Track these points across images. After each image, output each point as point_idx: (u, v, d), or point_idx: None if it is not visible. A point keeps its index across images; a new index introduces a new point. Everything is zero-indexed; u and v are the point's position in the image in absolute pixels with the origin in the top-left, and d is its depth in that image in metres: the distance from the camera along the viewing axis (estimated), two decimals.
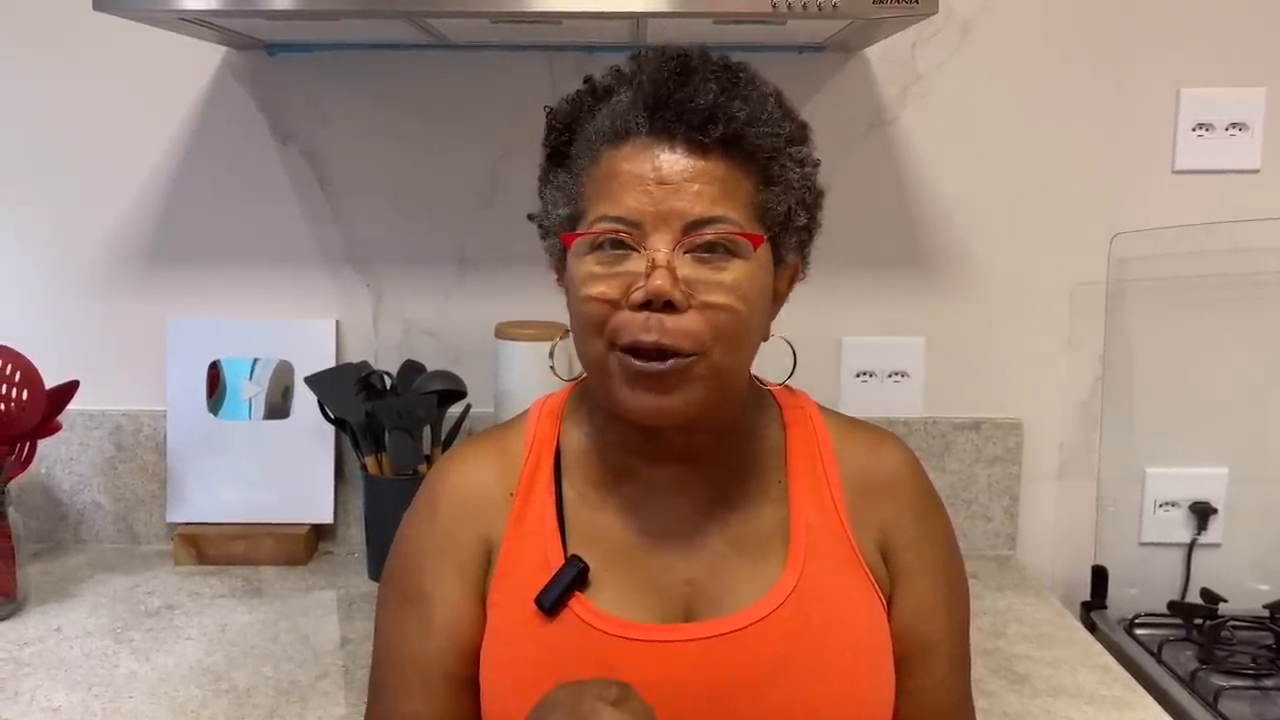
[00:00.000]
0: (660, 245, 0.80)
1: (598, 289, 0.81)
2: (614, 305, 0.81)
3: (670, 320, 0.79)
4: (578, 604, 0.84)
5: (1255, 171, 1.58)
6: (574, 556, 0.85)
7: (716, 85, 0.82)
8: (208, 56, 1.56)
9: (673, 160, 0.81)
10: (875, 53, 1.56)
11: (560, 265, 0.90)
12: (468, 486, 0.90)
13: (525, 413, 0.95)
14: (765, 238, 0.83)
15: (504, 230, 1.59)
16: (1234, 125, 1.57)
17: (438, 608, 0.87)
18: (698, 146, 0.81)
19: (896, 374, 1.62)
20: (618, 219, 0.81)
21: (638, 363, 0.80)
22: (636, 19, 1.28)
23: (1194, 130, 1.57)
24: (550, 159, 0.90)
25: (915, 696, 0.88)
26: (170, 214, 1.60)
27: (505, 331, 1.51)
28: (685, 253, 0.80)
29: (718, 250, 0.81)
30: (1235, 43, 1.56)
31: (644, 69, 0.84)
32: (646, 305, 0.79)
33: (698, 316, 0.80)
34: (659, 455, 0.88)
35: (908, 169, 1.59)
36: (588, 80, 0.89)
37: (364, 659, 1.28)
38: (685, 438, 0.87)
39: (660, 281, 0.78)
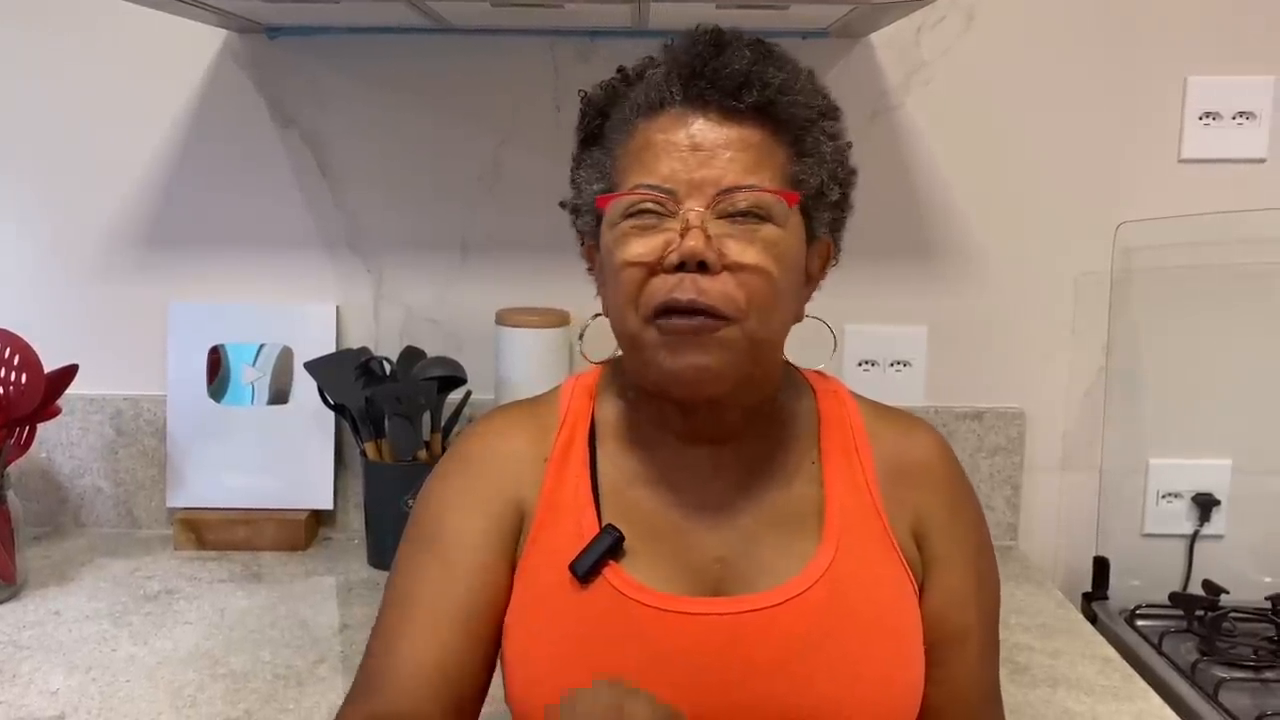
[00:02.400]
0: (694, 209, 0.80)
1: (633, 253, 0.81)
2: (649, 270, 0.81)
3: (705, 281, 0.79)
4: (611, 573, 0.83)
5: (1262, 161, 1.57)
6: (610, 525, 0.85)
7: (750, 53, 0.83)
8: (208, 40, 1.56)
9: (706, 128, 0.82)
10: (879, 39, 1.55)
11: (593, 248, 0.90)
12: (501, 447, 0.90)
13: (557, 388, 0.95)
14: (800, 197, 0.83)
15: (506, 216, 1.59)
16: (1241, 114, 1.56)
17: (461, 555, 0.86)
18: (731, 114, 0.82)
19: (898, 363, 1.61)
20: (652, 186, 0.81)
21: (674, 320, 0.80)
22: (638, 3, 1.27)
23: (1201, 119, 1.56)
24: (584, 143, 0.90)
25: (944, 685, 0.88)
26: (171, 198, 1.60)
27: (506, 318, 1.51)
28: (718, 217, 0.81)
29: (751, 217, 0.81)
30: (1243, 30, 1.55)
31: (677, 45, 0.85)
32: (680, 267, 0.80)
33: (731, 280, 0.80)
34: (694, 433, 0.88)
35: (911, 156, 1.58)
36: (620, 69, 0.90)
37: (362, 645, 1.27)
38: (719, 415, 0.87)
39: (694, 242, 0.79)
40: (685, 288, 0.79)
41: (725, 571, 0.86)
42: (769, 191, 0.81)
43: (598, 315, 0.90)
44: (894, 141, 1.57)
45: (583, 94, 0.90)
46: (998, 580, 0.94)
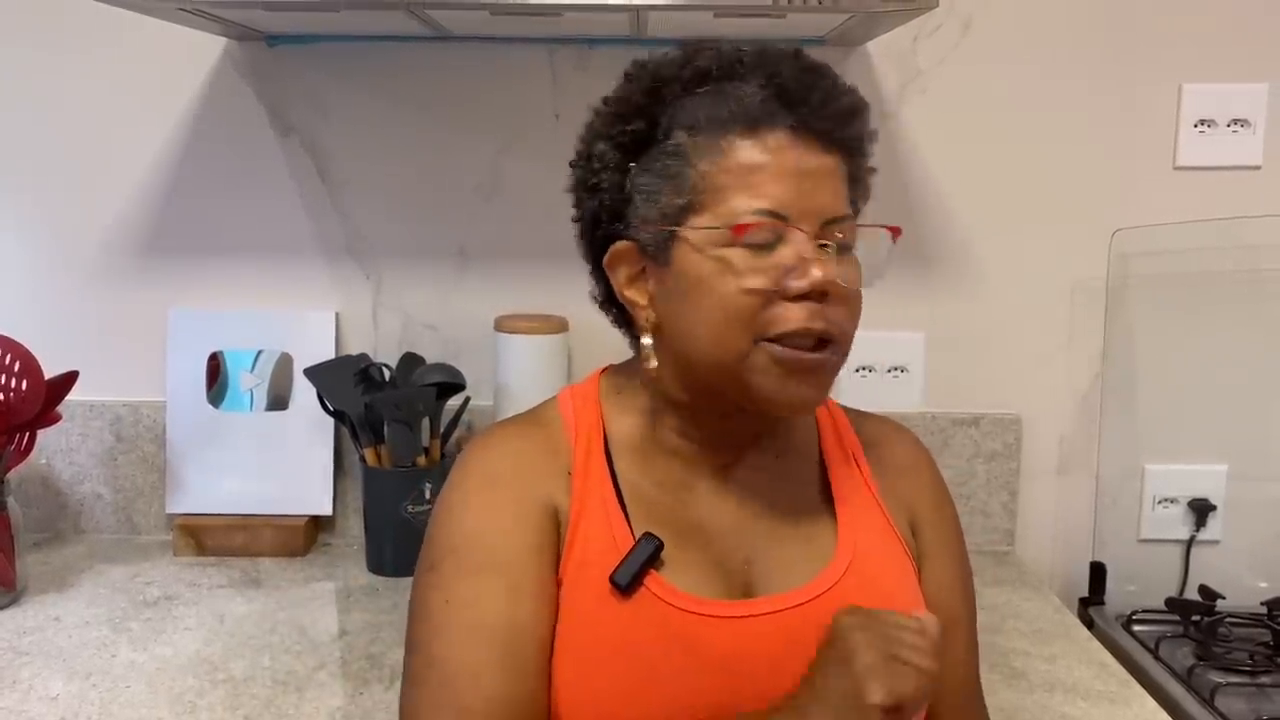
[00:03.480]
0: (808, 237, 0.81)
1: (751, 281, 0.81)
2: (767, 297, 0.81)
3: (829, 310, 0.81)
4: (652, 582, 0.83)
5: (1257, 168, 1.58)
6: (648, 534, 0.84)
7: (847, 85, 0.85)
8: (208, 47, 1.56)
9: (810, 155, 0.82)
10: (876, 47, 1.55)
11: (640, 256, 0.86)
12: (521, 456, 0.88)
13: (553, 401, 0.94)
14: (900, 231, 0.86)
15: (504, 223, 1.60)
16: (1236, 121, 1.57)
17: (522, 574, 0.83)
18: (829, 143, 0.83)
19: (896, 369, 1.62)
20: (766, 211, 0.81)
21: (804, 354, 0.81)
22: (636, 12, 1.28)
23: (1196, 126, 1.57)
24: (625, 148, 0.85)
25: (942, 670, 0.89)
26: (171, 205, 1.60)
27: (505, 324, 1.51)
28: (821, 245, 0.82)
29: (847, 248, 0.84)
30: (1238, 38, 1.55)
31: (765, 61, 0.84)
32: (804, 295, 0.80)
33: (843, 308, 0.82)
34: (717, 442, 0.90)
35: (908, 164, 1.58)
36: (643, 65, 0.86)
37: (361, 650, 1.28)
38: (750, 424, 0.89)
39: (824, 272, 0.80)
40: (814, 316, 0.80)
41: (753, 572, 0.87)
42: (885, 228, 0.85)
43: (638, 336, 0.88)
44: (891, 149, 1.58)
45: (616, 99, 0.87)
46: (972, 573, 0.98)
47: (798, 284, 0.80)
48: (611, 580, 0.82)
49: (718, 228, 0.81)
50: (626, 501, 0.87)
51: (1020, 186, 1.59)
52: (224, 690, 1.18)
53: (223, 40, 1.56)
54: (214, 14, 1.34)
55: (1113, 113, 1.57)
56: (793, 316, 0.80)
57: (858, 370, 1.61)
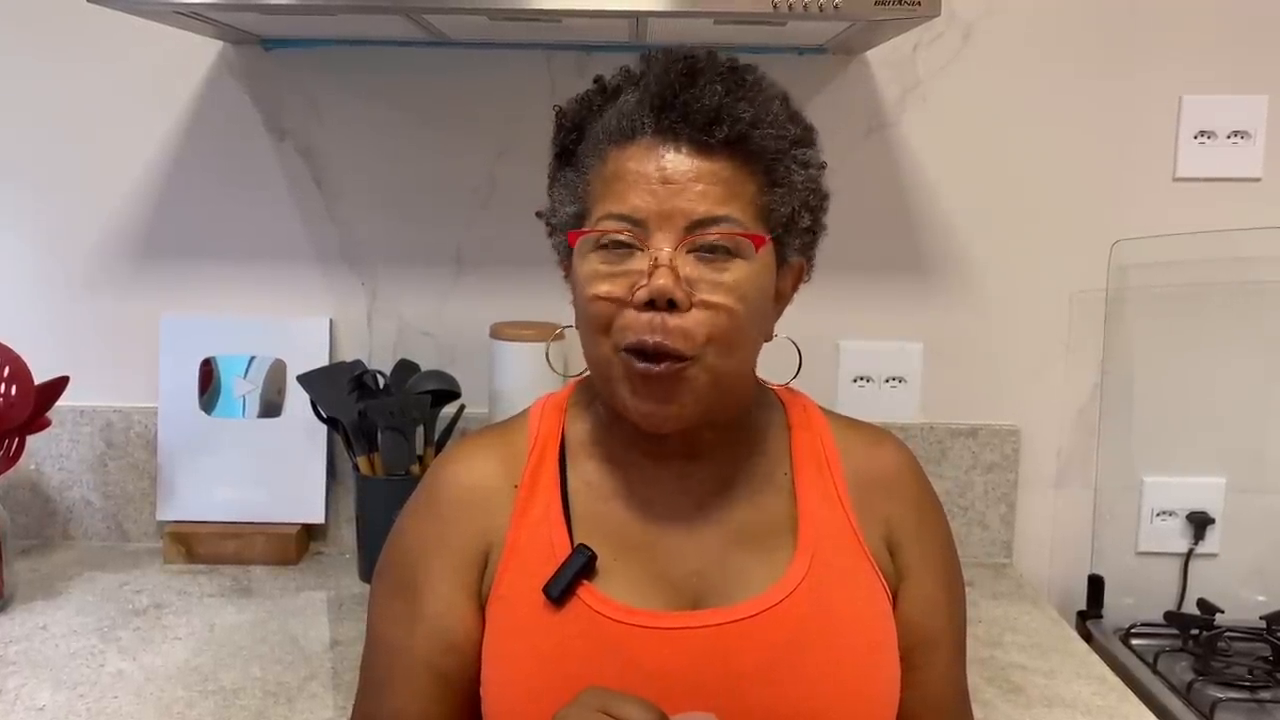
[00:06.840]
0: (663, 244, 0.81)
1: (603, 288, 0.82)
2: (619, 304, 0.82)
3: (672, 320, 0.80)
4: (586, 592, 0.84)
5: (1257, 180, 1.57)
6: (581, 545, 0.85)
7: (722, 87, 0.83)
8: (203, 51, 1.55)
9: (677, 160, 0.82)
10: (876, 55, 1.55)
11: (567, 263, 0.91)
12: (470, 480, 0.91)
13: (527, 410, 0.96)
14: (768, 239, 0.84)
15: (501, 230, 1.59)
16: (1236, 133, 1.56)
17: (428, 600, 0.87)
18: (702, 147, 0.82)
19: (894, 379, 1.61)
20: (622, 217, 0.82)
21: (639, 364, 0.82)
22: (636, 18, 1.27)
23: (1195, 138, 1.56)
24: (559, 158, 0.91)
25: (919, 689, 0.90)
26: (164, 209, 1.59)
27: (500, 332, 1.50)
28: (688, 252, 0.81)
29: (719, 251, 0.82)
30: (1237, 50, 1.55)
31: (651, 69, 0.85)
32: (650, 304, 0.80)
33: (698, 315, 0.81)
34: (664, 451, 0.89)
35: (907, 173, 1.58)
36: (598, 80, 0.90)
37: (353, 660, 1.27)
38: (690, 435, 0.88)
39: (663, 280, 0.80)
40: (654, 328, 0.80)
41: (703, 585, 0.86)
42: (737, 235, 0.82)
43: (562, 333, 0.91)
44: (890, 158, 1.57)
45: (558, 109, 0.91)
46: (964, 587, 0.96)
47: (639, 294, 0.80)
48: (544, 591, 0.84)
49: (584, 233, 0.84)
50: (573, 510, 0.88)
51: (1020, 196, 1.58)
52: (213, 701, 1.17)
53: (218, 44, 1.55)
54: (209, 17, 1.32)
55: (1113, 123, 1.56)
56: (631, 326, 0.81)
57: (855, 380, 1.61)
